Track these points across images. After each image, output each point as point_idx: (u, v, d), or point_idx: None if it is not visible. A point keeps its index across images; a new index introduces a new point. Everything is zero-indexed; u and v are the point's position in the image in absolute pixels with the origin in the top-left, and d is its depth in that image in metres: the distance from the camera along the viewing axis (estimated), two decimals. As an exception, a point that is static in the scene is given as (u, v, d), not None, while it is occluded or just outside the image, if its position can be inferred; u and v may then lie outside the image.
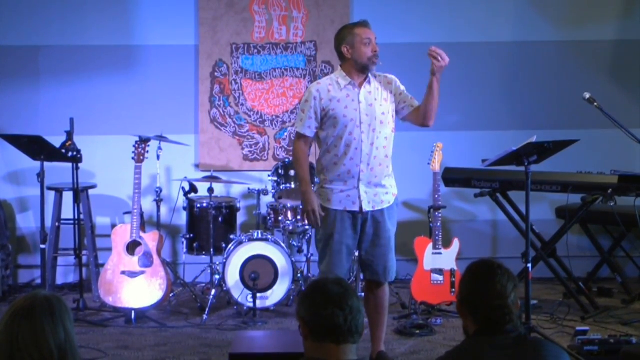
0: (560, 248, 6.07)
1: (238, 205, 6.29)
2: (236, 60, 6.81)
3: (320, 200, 4.57)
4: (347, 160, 4.47)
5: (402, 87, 4.62)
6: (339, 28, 6.82)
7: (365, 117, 4.46)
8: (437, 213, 5.82)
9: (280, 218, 6.04)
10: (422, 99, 4.54)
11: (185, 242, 6.18)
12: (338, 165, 4.50)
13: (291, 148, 6.80)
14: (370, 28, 4.53)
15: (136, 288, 5.65)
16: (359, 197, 4.49)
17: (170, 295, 5.94)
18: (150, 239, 5.73)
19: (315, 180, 5.92)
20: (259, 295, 5.64)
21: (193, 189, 6.10)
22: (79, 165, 5.72)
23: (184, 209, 6.22)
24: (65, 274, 6.72)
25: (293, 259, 5.92)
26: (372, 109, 4.48)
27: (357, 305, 2.45)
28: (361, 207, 4.49)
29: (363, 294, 5.81)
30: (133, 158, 5.77)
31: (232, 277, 5.73)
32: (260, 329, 5.48)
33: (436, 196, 5.86)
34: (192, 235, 6.14)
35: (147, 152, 5.83)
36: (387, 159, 4.54)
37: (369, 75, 4.52)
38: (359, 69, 4.50)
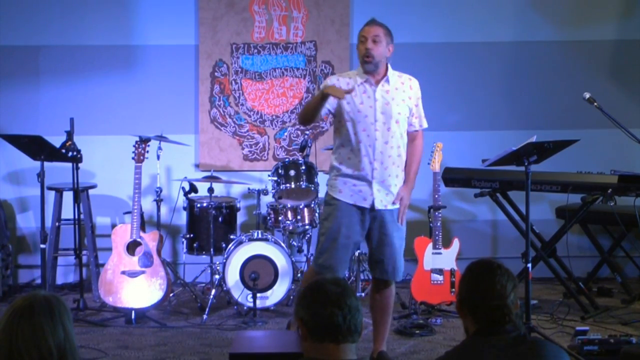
0: (560, 248, 6.08)
1: (238, 205, 6.29)
2: (236, 60, 6.82)
3: (331, 191, 4.54)
4: (362, 157, 4.44)
5: (420, 102, 4.60)
6: (338, 28, 6.89)
7: (381, 116, 4.44)
8: (437, 213, 5.82)
9: (280, 218, 6.04)
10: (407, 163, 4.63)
11: (185, 242, 6.18)
12: (352, 161, 4.47)
13: (291, 148, 6.82)
14: (371, 25, 4.50)
15: (136, 288, 5.65)
16: (372, 195, 4.46)
17: (170, 295, 5.94)
18: (150, 238, 5.73)
19: (315, 180, 5.93)
20: (259, 295, 5.64)
21: (193, 188, 6.10)
22: (79, 165, 5.72)
23: (184, 208, 6.22)
24: (65, 273, 6.72)
25: (293, 258, 5.92)
26: (389, 107, 4.45)
27: (355, 305, 2.45)
28: (373, 205, 4.47)
29: (363, 294, 5.85)
30: (133, 158, 5.77)
31: (232, 277, 5.73)
32: (260, 328, 5.48)
33: (436, 196, 5.86)
34: (192, 235, 6.14)
35: (147, 152, 5.83)
36: (400, 159, 4.51)
37: (388, 74, 4.49)
38: (362, 67, 4.49)
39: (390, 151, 4.46)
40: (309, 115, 4.52)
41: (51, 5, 6.74)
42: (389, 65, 4.53)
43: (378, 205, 4.48)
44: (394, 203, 4.51)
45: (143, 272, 5.67)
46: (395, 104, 4.47)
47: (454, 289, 5.72)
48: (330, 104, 4.45)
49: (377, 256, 4.59)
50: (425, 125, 4.64)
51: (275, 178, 6.02)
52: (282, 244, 5.89)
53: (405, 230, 4.62)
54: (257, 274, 5.63)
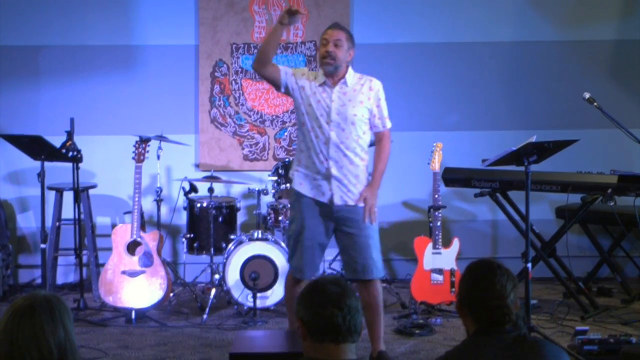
0: (560, 248, 6.08)
1: (238, 205, 6.29)
2: (236, 60, 6.82)
3: (294, 184, 4.60)
4: (318, 153, 4.49)
5: (382, 103, 4.58)
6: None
7: (336, 116, 4.47)
8: (437, 213, 5.82)
9: (280, 218, 6.04)
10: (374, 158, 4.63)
11: (185, 242, 6.18)
12: (310, 157, 4.53)
13: (291, 148, 6.82)
14: (334, 29, 4.57)
15: (136, 288, 5.65)
16: (330, 190, 4.50)
17: (171, 295, 5.94)
18: (150, 238, 5.74)
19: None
20: (259, 294, 5.65)
21: (193, 188, 6.10)
22: (79, 165, 5.72)
23: (184, 208, 6.22)
24: (65, 273, 6.72)
25: (293, 258, 5.92)
26: (345, 109, 4.48)
27: (355, 305, 2.46)
28: (332, 201, 4.50)
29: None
30: (133, 158, 5.78)
31: (232, 276, 5.74)
32: (260, 328, 5.48)
33: (436, 196, 5.86)
34: (192, 235, 6.14)
35: (148, 152, 5.83)
36: (358, 159, 4.52)
37: (346, 76, 4.53)
38: (322, 69, 4.55)
39: (347, 151, 4.49)
40: (264, 48, 4.49)
41: (51, 5, 6.74)
42: (349, 68, 4.57)
43: (337, 201, 4.50)
44: (357, 202, 4.52)
45: (143, 272, 5.68)
46: (352, 105, 4.50)
47: (454, 289, 5.72)
48: (289, 79, 4.53)
49: (345, 257, 4.62)
50: (388, 125, 4.63)
51: (275, 178, 6.03)
52: (282, 244, 5.89)
53: (376, 228, 4.60)
54: (257, 274, 5.63)
